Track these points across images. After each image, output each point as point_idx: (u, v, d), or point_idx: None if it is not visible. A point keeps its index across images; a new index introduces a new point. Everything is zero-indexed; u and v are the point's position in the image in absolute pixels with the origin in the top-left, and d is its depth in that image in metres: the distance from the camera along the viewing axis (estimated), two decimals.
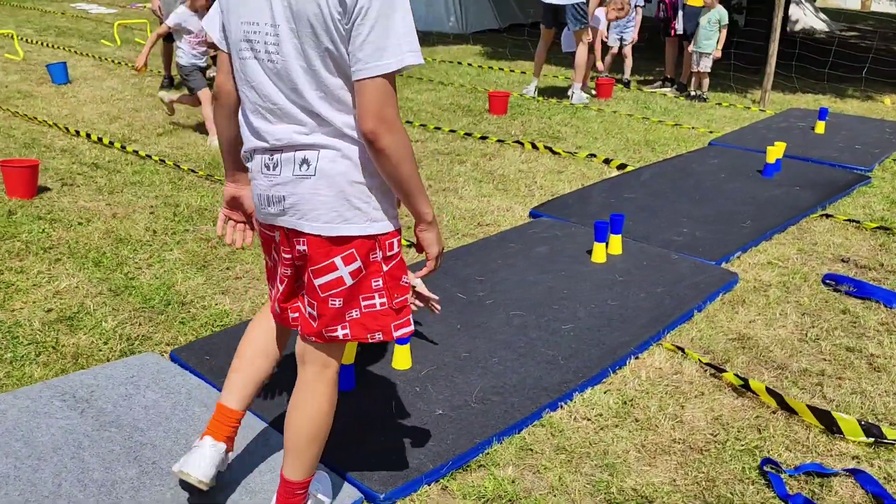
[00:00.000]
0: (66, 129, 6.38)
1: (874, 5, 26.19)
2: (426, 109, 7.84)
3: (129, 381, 2.87)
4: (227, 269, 3.95)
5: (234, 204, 2.24)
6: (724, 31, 8.38)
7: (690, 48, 8.75)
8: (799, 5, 17.62)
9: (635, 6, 9.32)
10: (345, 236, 1.93)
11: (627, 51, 9.57)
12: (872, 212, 5.13)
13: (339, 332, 2.02)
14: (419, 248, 2.09)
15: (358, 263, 1.96)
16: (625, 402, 2.97)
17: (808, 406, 2.89)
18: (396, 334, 2.06)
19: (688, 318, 3.61)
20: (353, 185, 1.91)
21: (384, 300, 2.02)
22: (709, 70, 8.67)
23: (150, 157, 5.72)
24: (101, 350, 3.16)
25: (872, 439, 2.78)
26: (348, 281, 1.96)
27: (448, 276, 3.87)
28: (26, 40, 11.05)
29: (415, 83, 9.20)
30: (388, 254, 2.00)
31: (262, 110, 1.92)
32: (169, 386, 2.87)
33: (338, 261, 1.94)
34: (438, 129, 6.94)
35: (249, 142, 1.99)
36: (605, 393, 3.02)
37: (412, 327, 2.10)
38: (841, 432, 2.82)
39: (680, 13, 8.89)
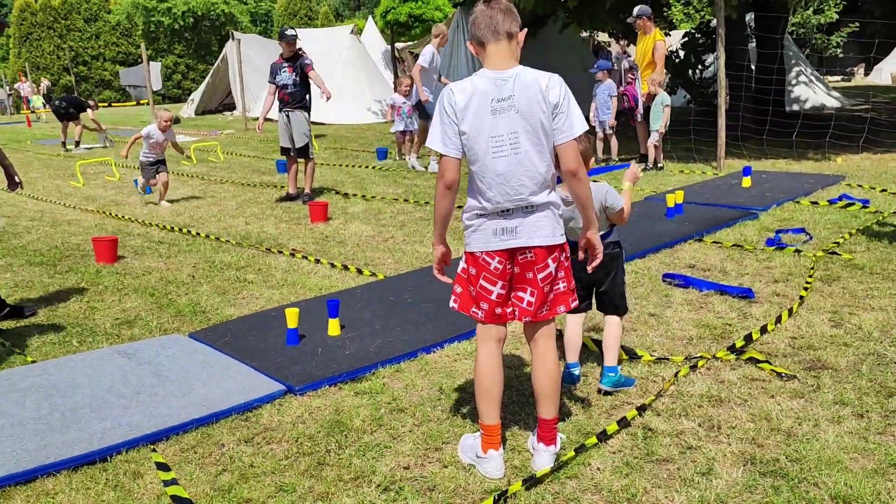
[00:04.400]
0: (142, 222, 8.41)
1: None
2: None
3: (160, 346, 4.59)
4: (238, 293, 5.70)
5: (446, 258, 3.26)
6: (668, 111, 9.99)
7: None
8: (808, 85, 19.09)
9: (610, 96, 11.00)
10: (555, 245, 3.02)
11: (610, 134, 11.20)
12: (741, 237, 6.54)
13: (545, 310, 3.08)
14: (593, 250, 3.12)
15: (557, 262, 3.05)
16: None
17: (592, 339, 4.38)
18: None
19: None
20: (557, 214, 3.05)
21: (565, 284, 3.11)
22: (657, 143, 10.22)
23: (199, 234, 7.63)
24: (146, 337, 4.90)
25: (628, 357, 4.23)
26: (553, 273, 3.05)
27: (384, 290, 5.51)
28: (121, 165, 13.52)
29: None
30: (567, 254, 3.12)
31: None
32: (183, 348, 4.56)
33: (550, 261, 3.02)
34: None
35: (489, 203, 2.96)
36: (468, 342, 4.54)
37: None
38: None
39: (640, 102, 10.59)
